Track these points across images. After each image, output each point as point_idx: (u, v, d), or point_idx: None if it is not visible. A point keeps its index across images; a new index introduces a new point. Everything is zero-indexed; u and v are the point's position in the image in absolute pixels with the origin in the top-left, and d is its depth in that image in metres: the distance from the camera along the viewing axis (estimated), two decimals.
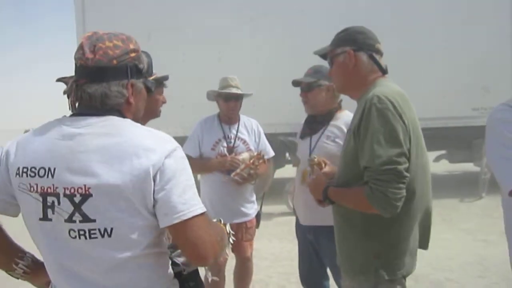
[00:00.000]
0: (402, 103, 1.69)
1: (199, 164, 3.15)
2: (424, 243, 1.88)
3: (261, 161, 3.08)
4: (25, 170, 1.22)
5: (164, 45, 7.04)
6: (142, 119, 2.32)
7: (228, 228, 1.54)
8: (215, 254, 1.27)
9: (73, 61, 1.30)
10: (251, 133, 3.24)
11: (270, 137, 7.56)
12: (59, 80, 1.31)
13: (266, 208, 6.13)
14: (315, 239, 2.66)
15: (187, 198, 1.21)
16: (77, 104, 1.28)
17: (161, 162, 1.19)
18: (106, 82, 1.26)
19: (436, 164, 8.61)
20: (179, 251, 1.42)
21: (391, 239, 1.74)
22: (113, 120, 1.25)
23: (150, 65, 1.56)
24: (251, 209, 3.25)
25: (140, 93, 1.36)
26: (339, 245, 1.91)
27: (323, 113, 2.65)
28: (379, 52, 1.87)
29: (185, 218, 1.19)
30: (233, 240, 1.56)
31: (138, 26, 6.97)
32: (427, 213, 1.84)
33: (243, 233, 3.20)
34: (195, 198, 1.23)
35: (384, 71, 1.87)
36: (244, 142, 3.20)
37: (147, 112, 2.31)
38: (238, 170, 3.02)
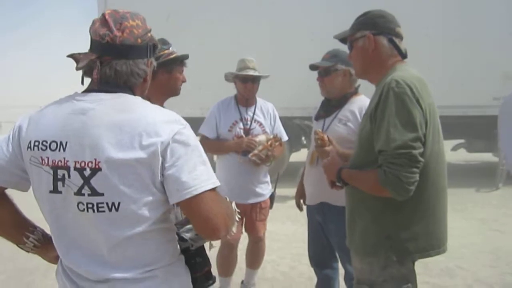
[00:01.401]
0: (420, 88, 1.70)
1: (216, 145, 3.20)
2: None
3: (277, 143, 3.12)
4: (36, 143, 1.25)
5: (182, 26, 7.07)
6: (162, 97, 2.39)
7: (234, 206, 1.56)
8: (226, 227, 1.29)
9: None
10: (267, 116, 3.27)
11: (286, 121, 7.61)
12: (70, 56, 1.31)
13: (281, 191, 6.17)
14: (323, 220, 2.70)
15: (198, 174, 1.22)
16: (93, 81, 1.29)
17: (171, 139, 1.21)
18: (132, 60, 1.29)
19: (454, 153, 8.52)
20: (187, 227, 1.45)
21: (403, 220, 1.76)
22: (125, 97, 1.28)
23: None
24: (266, 189, 3.30)
25: (152, 72, 1.40)
26: (350, 225, 1.94)
27: (339, 97, 2.67)
28: (399, 36, 1.87)
29: (196, 193, 1.21)
30: (239, 218, 1.59)
31: (157, 7, 7.04)
32: (441, 199, 1.84)
33: (257, 213, 3.26)
34: (206, 173, 1.25)
35: (404, 55, 1.87)
36: (260, 124, 3.23)
37: (167, 90, 2.38)
38: (256, 151, 3.06)
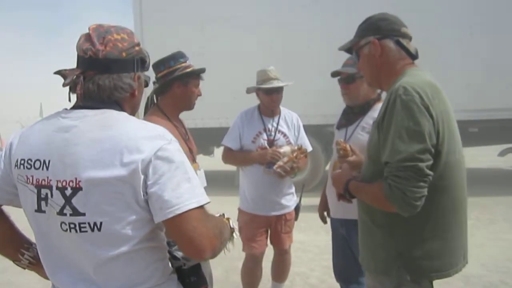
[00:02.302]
0: (431, 95, 1.58)
1: (239, 157, 3.18)
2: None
3: (302, 155, 3.06)
4: (22, 162, 1.25)
5: (217, 35, 7.19)
6: (175, 110, 2.39)
7: (231, 223, 1.51)
8: (213, 247, 1.24)
9: None
10: (291, 127, 3.22)
11: (320, 129, 7.49)
12: (57, 73, 1.31)
13: (315, 201, 6.04)
14: (347, 233, 2.61)
15: (182, 192, 1.19)
16: (77, 96, 1.28)
17: (153, 155, 1.18)
18: (117, 74, 1.27)
19: (502, 158, 8.06)
20: None
21: (416, 237, 1.65)
22: (109, 113, 1.26)
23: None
24: (290, 201, 3.23)
25: (141, 86, 1.38)
26: (362, 241, 1.86)
27: (362, 104, 2.59)
28: (407, 36, 1.76)
29: (179, 212, 1.17)
30: (236, 235, 1.54)
31: (191, 16, 7.20)
32: (460, 212, 1.71)
33: (282, 225, 3.20)
34: (191, 191, 1.20)
35: (413, 56, 1.76)
36: (284, 135, 3.17)
37: (181, 103, 2.38)
38: (281, 163, 3.01)
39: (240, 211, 3.25)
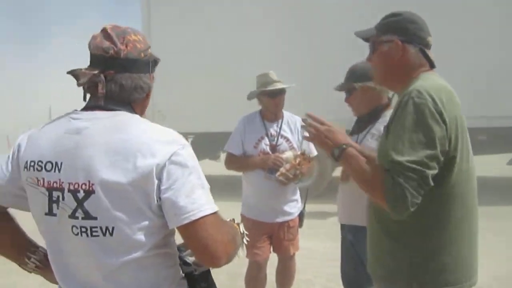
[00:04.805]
0: (446, 100, 1.53)
1: (241, 162, 3.16)
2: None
3: (306, 161, 3.02)
4: (32, 163, 1.23)
5: (224, 38, 7.19)
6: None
7: (241, 228, 1.48)
8: (227, 254, 1.23)
9: None
10: (294, 131, 3.19)
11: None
12: (70, 72, 1.30)
13: (321, 207, 6.04)
14: (354, 239, 2.58)
15: (196, 198, 1.17)
16: (91, 97, 1.28)
17: (167, 160, 1.16)
18: (136, 74, 1.27)
19: (511, 167, 7.94)
20: (190, 250, 1.39)
21: (430, 248, 1.59)
22: (121, 115, 1.25)
23: None
24: (294, 208, 3.20)
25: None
26: (371, 249, 1.80)
27: (369, 112, 2.59)
28: (428, 46, 1.70)
29: (194, 218, 1.16)
30: (247, 241, 1.51)
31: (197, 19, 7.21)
32: (473, 221, 1.66)
33: (285, 232, 3.17)
34: (205, 197, 1.20)
35: (432, 65, 1.70)
36: (287, 140, 3.15)
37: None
38: (283, 170, 2.97)
39: (242, 217, 3.22)
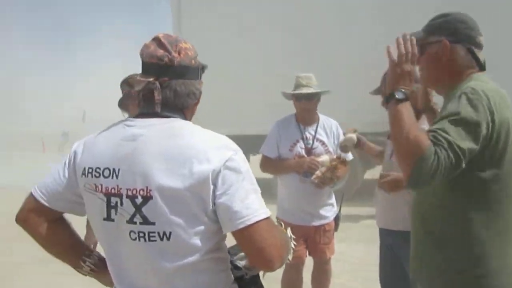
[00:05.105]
0: (498, 102, 1.49)
1: (277, 165, 3.16)
2: None
3: (341, 164, 3.00)
4: (90, 170, 1.27)
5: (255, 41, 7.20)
6: None
7: (289, 232, 1.50)
8: (281, 257, 1.25)
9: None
10: (330, 135, 3.17)
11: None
12: (124, 82, 1.34)
13: (353, 210, 5.97)
14: (394, 244, 2.54)
15: (250, 203, 1.19)
16: (144, 104, 1.30)
17: (222, 166, 1.19)
18: (189, 80, 1.31)
19: None
20: (241, 254, 1.41)
21: (473, 252, 1.54)
22: (176, 122, 1.28)
23: None
24: (329, 211, 3.18)
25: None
26: (414, 255, 1.75)
27: None
28: (479, 46, 1.64)
29: (249, 223, 1.18)
30: (294, 245, 1.52)
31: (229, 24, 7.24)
32: None
33: (320, 236, 3.15)
34: (258, 202, 1.22)
35: (482, 67, 1.65)
36: (323, 143, 3.13)
37: None
38: (319, 173, 2.96)
39: (278, 220, 3.22)
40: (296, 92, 3.10)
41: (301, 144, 3.11)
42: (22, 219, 1.38)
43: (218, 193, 1.19)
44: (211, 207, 1.20)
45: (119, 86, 2.17)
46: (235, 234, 1.21)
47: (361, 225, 6.04)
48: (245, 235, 1.19)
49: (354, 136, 2.97)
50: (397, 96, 1.49)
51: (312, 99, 3.10)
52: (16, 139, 28.96)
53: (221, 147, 1.23)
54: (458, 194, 1.54)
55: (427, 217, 1.65)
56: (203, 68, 1.37)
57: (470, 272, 1.55)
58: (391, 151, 2.56)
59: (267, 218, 1.21)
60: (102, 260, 1.45)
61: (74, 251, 1.44)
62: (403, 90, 1.50)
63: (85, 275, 1.47)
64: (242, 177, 1.21)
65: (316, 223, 3.10)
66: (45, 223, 1.37)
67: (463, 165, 1.42)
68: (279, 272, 3.29)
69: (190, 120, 1.36)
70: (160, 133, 1.24)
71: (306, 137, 3.12)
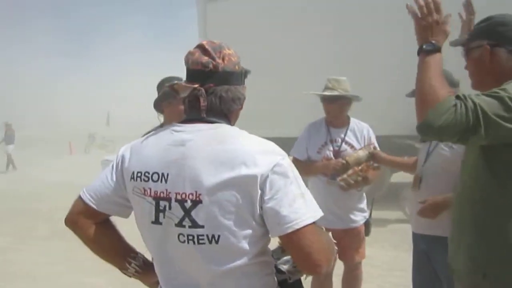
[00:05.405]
0: None
1: (304, 167, 3.13)
2: None
3: (371, 168, 2.97)
4: (139, 174, 1.29)
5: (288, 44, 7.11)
6: None
7: (330, 236, 1.49)
8: (328, 261, 1.25)
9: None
10: (360, 138, 3.13)
11: (384, 140, 7.25)
12: (169, 87, 1.36)
13: (380, 214, 5.89)
14: (428, 250, 2.49)
15: (297, 207, 1.20)
16: (191, 109, 1.32)
17: (270, 171, 1.20)
18: (233, 86, 1.32)
19: None
20: (284, 258, 1.42)
21: (502, 253, 1.50)
22: (223, 127, 1.29)
23: None
24: (359, 215, 3.14)
25: None
26: (452, 243, 1.72)
27: None
28: None
29: (297, 227, 1.19)
30: (336, 249, 1.50)
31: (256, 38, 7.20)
32: None
33: (349, 240, 3.10)
34: (305, 206, 1.22)
35: None
36: (352, 147, 3.10)
37: None
38: (345, 175, 2.93)
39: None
40: (315, 93, 3.10)
41: (329, 147, 3.09)
42: (72, 221, 1.41)
43: (266, 198, 1.20)
44: (258, 211, 1.22)
45: (140, 90, 2.20)
46: (283, 238, 1.22)
47: (389, 229, 5.96)
48: (293, 239, 1.20)
49: (362, 156, 2.93)
50: (424, 47, 1.53)
51: (334, 101, 3.06)
52: (45, 142, 29.77)
53: (268, 152, 1.24)
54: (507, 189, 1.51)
55: (466, 206, 1.61)
56: (246, 73, 1.38)
57: (495, 275, 1.51)
58: (426, 155, 2.51)
59: (314, 222, 1.22)
60: (146, 262, 1.47)
61: (120, 253, 1.46)
62: (433, 42, 1.52)
63: (130, 276, 1.49)
64: (290, 182, 1.22)
65: (345, 226, 3.07)
66: (93, 225, 1.40)
67: (482, 132, 1.39)
68: (309, 276, 3.24)
69: (233, 125, 1.37)
70: (208, 138, 1.26)
71: (335, 140, 3.10)
